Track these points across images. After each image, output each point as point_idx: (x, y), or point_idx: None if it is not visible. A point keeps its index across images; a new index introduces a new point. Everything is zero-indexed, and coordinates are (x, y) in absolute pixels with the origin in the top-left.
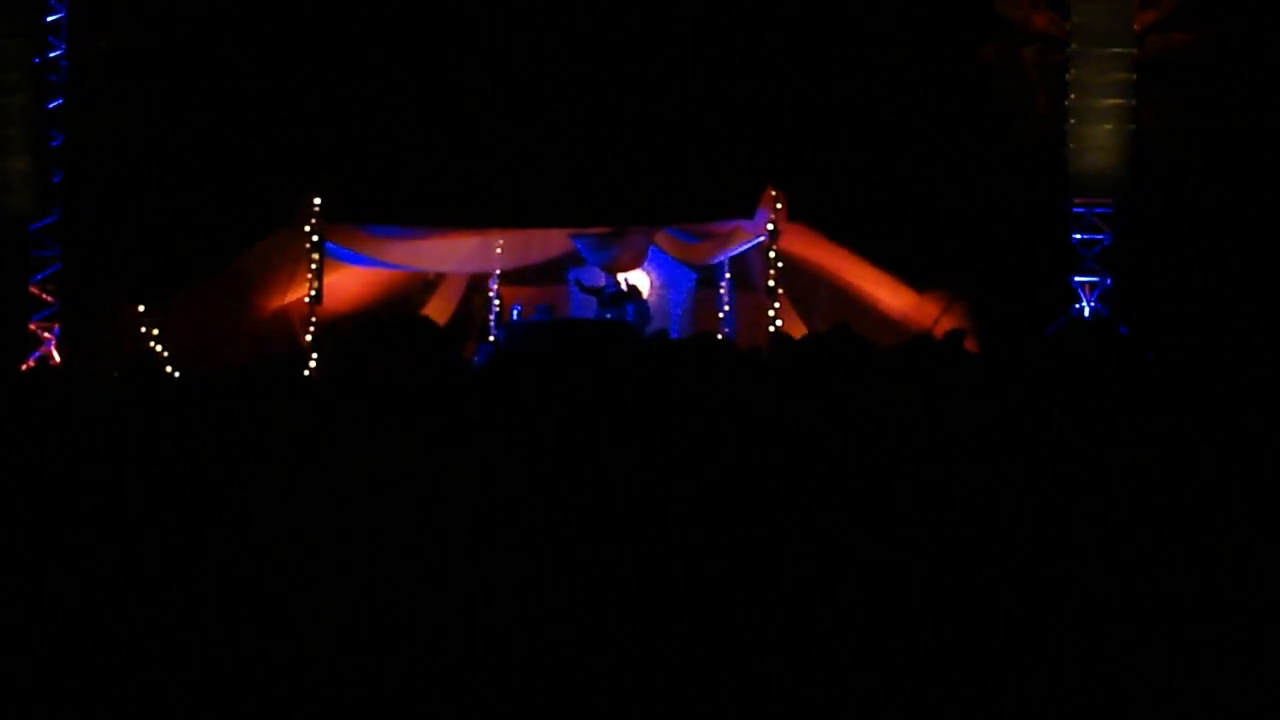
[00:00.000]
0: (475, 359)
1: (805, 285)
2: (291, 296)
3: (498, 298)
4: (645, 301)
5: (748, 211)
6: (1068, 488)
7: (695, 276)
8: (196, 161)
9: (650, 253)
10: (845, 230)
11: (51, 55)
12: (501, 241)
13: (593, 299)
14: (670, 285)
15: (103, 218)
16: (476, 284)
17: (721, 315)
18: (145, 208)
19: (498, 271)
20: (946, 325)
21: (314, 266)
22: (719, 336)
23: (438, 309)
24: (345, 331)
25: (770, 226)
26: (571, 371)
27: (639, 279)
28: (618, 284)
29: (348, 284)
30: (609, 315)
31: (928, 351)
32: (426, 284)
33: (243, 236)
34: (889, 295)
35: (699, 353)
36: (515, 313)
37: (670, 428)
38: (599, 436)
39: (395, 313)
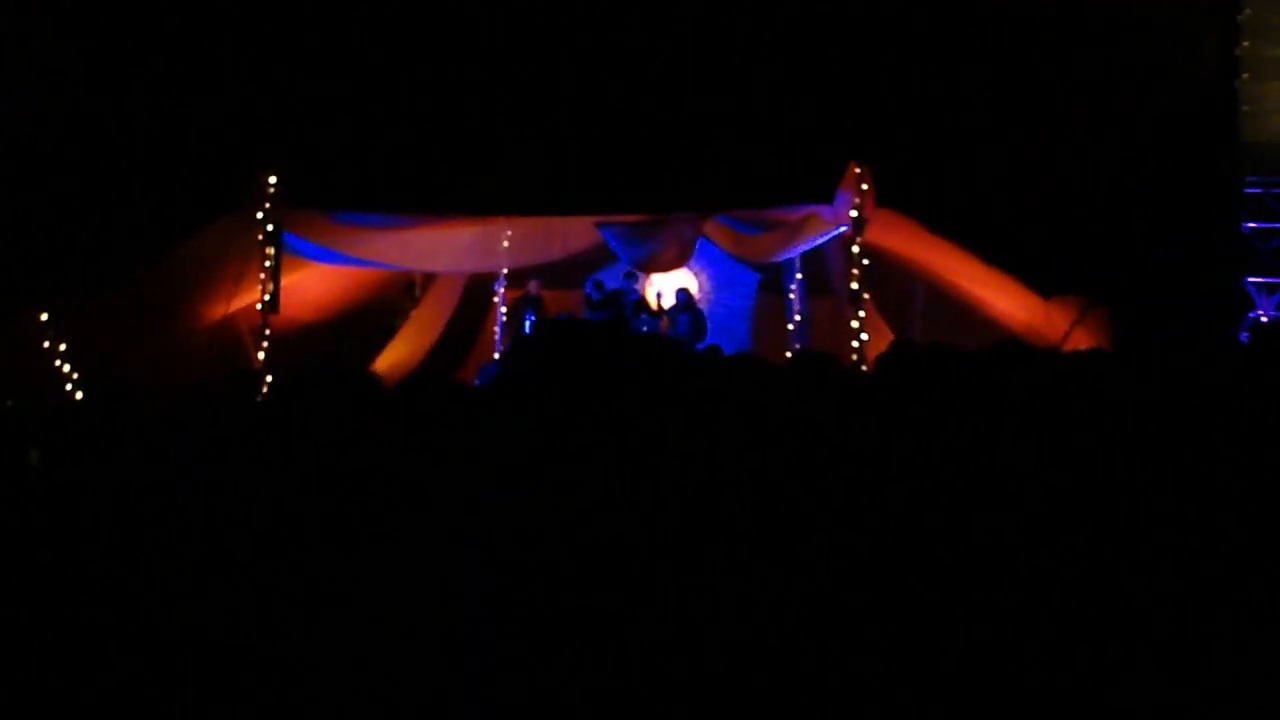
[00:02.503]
0: (476, 382)
1: (898, 289)
2: (240, 302)
3: (505, 303)
4: (701, 311)
5: (825, 194)
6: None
7: (757, 278)
8: (118, 132)
9: (699, 247)
10: (949, 218)
11: None
12: (509, 233)
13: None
14: (725, 289)
15: None
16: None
17: (791, 327)
18: (53, 190)
19: (504, 272)
20: (1081, 340)
21: (268, 264)
22: (788, 354)
23: (426, 320)
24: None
25: (854, 214)
26: (600, 398)
27: (685, 280)
28: (641, 291)
29: (311, 286)
30: (644, 328)
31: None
32: (410, 287)
33: (176, 225)
34: (1006, 302)
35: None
36: (528, 323)
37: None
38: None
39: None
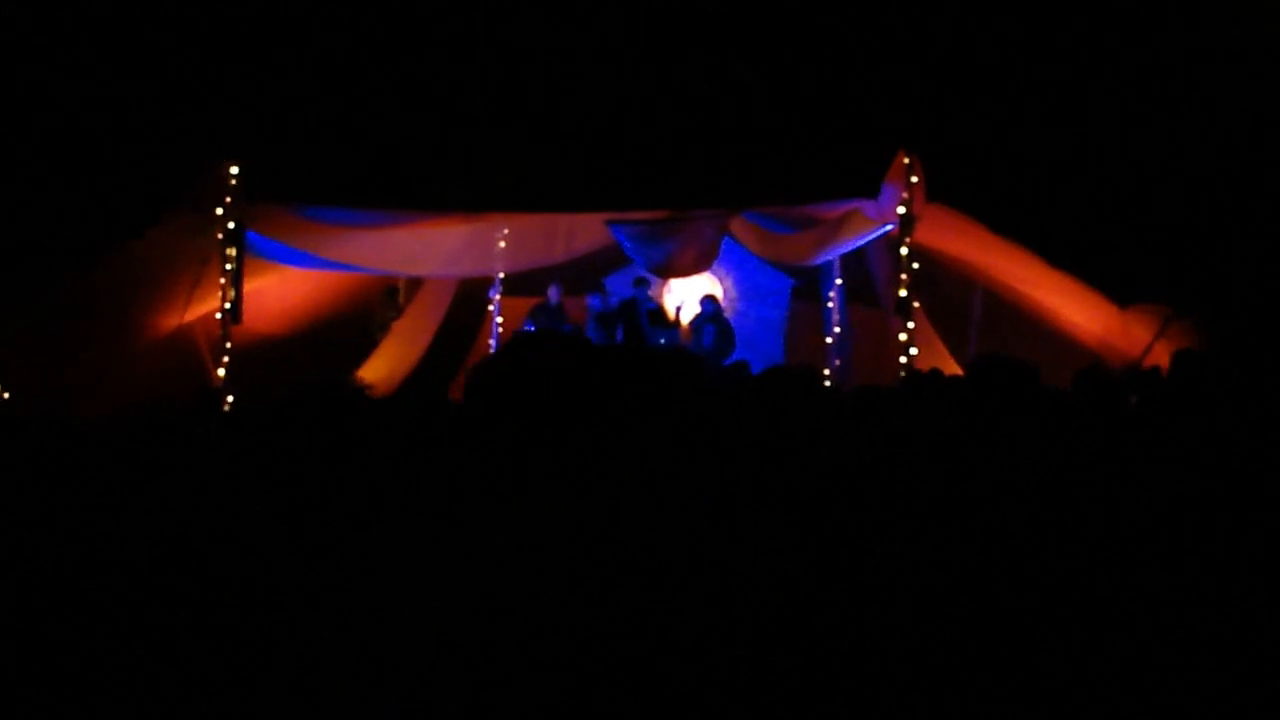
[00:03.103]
0: None
1: (953, 296)
2: (197, 311)
3: (501, 312)
4: (728, 322)
5: (868, 188)
6: None
7: (790, 284)
8: (53, 117)
9: (724, 249)
10: (1011, 215)
11: None
12: (505, 232)
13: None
14: (753, 297)
15: None
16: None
17: (829, 340)
18: None
19: (500, 276)
20: (1163, 356)
21: (229, 267)
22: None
23: (411, 331)
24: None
25: (902, 210)
26: (608, 426)
27: (709, 287)
28: (657, 299)
29: (279, 292)
30: (662, 340)
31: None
32: (392, 293)
33: (123, 223)
34: (1076, 311)
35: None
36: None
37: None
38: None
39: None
